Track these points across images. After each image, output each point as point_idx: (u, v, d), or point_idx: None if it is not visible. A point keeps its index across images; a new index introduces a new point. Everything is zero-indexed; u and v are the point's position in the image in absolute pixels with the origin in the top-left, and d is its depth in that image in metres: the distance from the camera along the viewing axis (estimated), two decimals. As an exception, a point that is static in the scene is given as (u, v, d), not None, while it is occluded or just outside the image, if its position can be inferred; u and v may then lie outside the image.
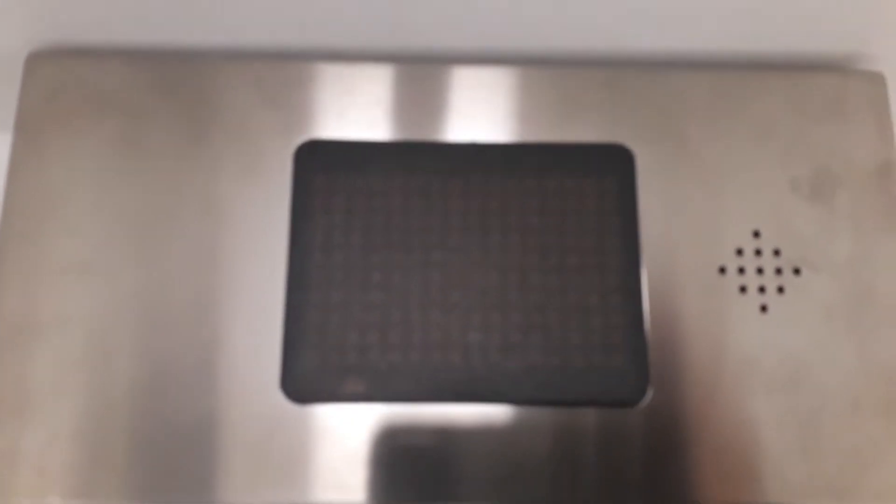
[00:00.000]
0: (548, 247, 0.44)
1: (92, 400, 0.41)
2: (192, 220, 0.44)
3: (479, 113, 0.46)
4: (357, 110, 0.46)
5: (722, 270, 0.44)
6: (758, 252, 0.45)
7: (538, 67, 0.47)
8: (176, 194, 0.44)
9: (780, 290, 0.44)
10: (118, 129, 0.45)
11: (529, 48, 0.49)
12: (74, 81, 0.46)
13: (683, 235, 0.44)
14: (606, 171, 0.45)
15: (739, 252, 0.44)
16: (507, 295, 0.43)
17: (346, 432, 0.41)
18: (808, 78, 0.48)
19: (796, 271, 0.44)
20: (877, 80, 0.47)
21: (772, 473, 0.42)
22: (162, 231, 0.44)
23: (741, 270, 0.44)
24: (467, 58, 0.49)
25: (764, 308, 0.44)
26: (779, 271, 0.44)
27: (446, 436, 0.42)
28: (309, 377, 0.42)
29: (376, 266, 0.44)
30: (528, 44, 0.48)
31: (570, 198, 0.45)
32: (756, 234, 0.45)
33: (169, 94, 0.46)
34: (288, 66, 0.47)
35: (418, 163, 0.45)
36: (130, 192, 0.44)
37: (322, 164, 0.45)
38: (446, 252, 0.44)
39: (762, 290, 0.44)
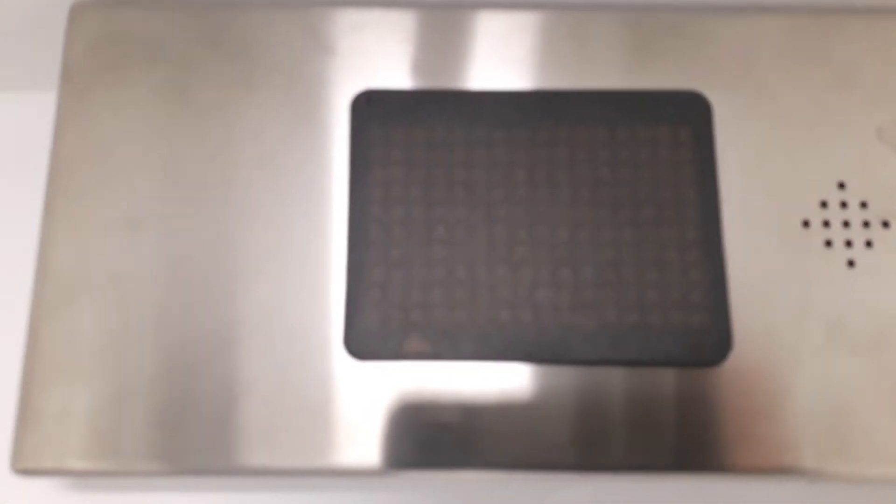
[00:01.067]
0: (620, 199, 0.41)
1: (146, 360, 0.40)
2: (246, 173, 0.42)
3: (544, 60, 0.44)
4: (416, 58, 0.44)
5: (806, 224, 0.41)
6: (843, 204, 0.42)
7: (605, 11, 0.44)
8: (227, 147, 0.42)
9: (868, 244, 0.41)
10: (167, 79, 0.43)
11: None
12: (120, 32, 0.44)
13: (764, 187, 0.42)
14: (682, 120, 0.42)
15: (824, 204, 0.42)
16: (577, 250, 0.41)
17: (411, 391, 0.39)
18: (892, 21, 0.45)
19: (885, 224, 0.42)
20: (969, 22, 0.44)
21: (860, 440, 0.39)
22: (215, 185, 0.42)
23: (826, 224, 0.41)
24: (521, 3, 0.46)
25: (851, 263, 0.41)
26: (866, 224, 0.42)
27: (515, 398, 0.39)
28: (372, 335, 0.40)
29: (439, 220, 0.41)
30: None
31: (644, 148, 0.42)
32: (841, 186, 0.42)
33: (218, 43, 0.44)
34: (342, 13, 0.44)
35: (481, 112, 0.43)
36: (181, 144, 0.42)
37: (380, 115, 0.43)
38: (512, 206, 0.42)
39: (849, 244, 0.41)
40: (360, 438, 0.39)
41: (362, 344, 0.40)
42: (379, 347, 0.40)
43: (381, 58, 0.44)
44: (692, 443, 0.39)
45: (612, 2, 0.46)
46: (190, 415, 0.39)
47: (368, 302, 0.40)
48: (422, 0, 0.46)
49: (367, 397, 0.39)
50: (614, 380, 0.40)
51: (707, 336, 0.40)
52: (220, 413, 0.39)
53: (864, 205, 0.42)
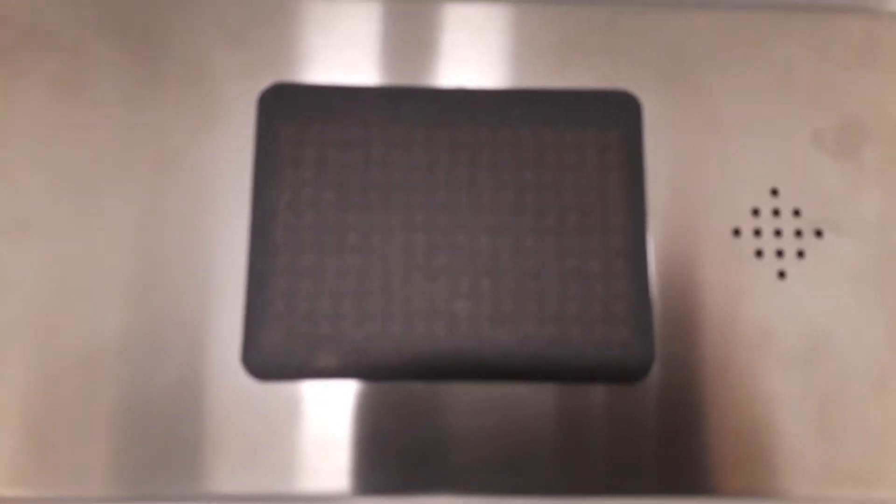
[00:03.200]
0: (544, 205, 0.39)
1: (32, 374, 0.37)
2: (142, 174, 0.39)
3: (469, 55, 0.41)
4: (330, 51, 0.41)
5: (736, 232, 0.40)
6: (776, 212, 0.40)
7: (534, 5, 0.42)
8: (125, 145, 0.39)
9: (800, 254, 0.40)
10: (59, 70, 0.40)
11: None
12: (7, 18, 0.41)
13: (694, 194, 0.40)
14: (610, 122, 0.40)
15: (756, 212, 0.40)
16: (498, 259, 0.39)
17: (318, 413, 0.37)
18: (834, 20, 0.43)
19: (818, 233, 0.40)
20: (910, 22, 0.42)
21: (787, 457, 0.38)
22: (109, 186, 0.39)
23: (757, 232, 0.40)
24: None
25: (782, 274, 0.39)
26: (799, 233, 0.40)
27: (431, 416, 0.37)
28: (274, 351, 0.37)
29: (352, 226, 0.39)
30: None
31: (570, 151, 0.40)
32: (774, 193, 0.40)
33: (117, 31, 0.41)
34: (250, 2, 0.41)
35: (400, 110, 0.40)
36: (73, 142, 0.39)
37: (290, 111, 0.40)
38: (431, 211, 0.39)
39: (780, 254, 0.40)
40: (259, 464, 0.36)
41: (263, 362, 0.37)
42: (282, 365, 0.37)
43: (294, 50, 0.41)
44: (615, 462, 0.37)
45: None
46: (76, 434, 0.36)
47: (271, 314, 0.37)
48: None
49: (266, 421, 0.37)
50: (533, 396, 0.38)
51: (629, 351, 0.38)
52: (107, 434, 0.36)
53: (797, 213, 0.40)
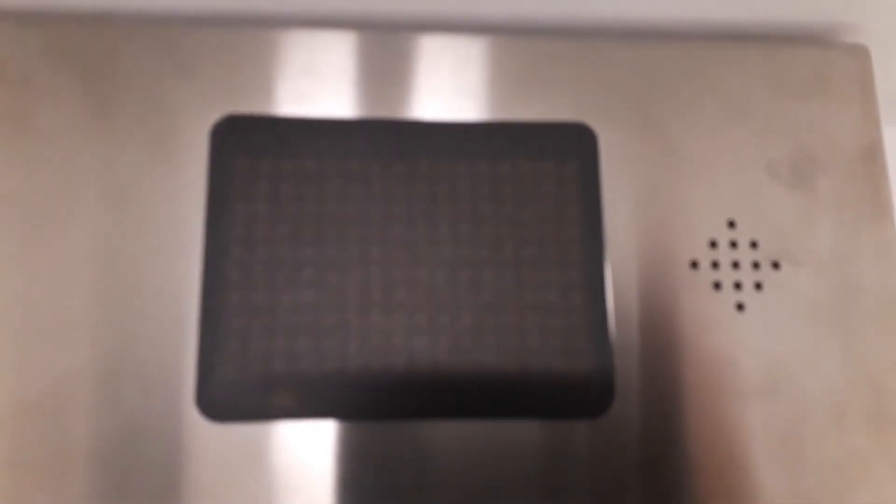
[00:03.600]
0: (502, 238, 0.39)
1: (-29, 420, 0.35)
2: (90, 209, 0.38)
3: (424, 87, 0.41)
4: (285, 82, 0.40)
5: (694, 265, 0.40)
6: (733, 244, 0.40)
7: (488, 36, 0.42)
8: (71, 178, 0.38)
9: (758, 286, 0.40)
10: (3, 101, 0.39)
11: (481, 14, 0.43)
12: (-48, 46, 0.40)
13: (652, 225, 0.40)
14: (567, 154, 0.40)
15: (713, 244, 0.40)
16: (456, 293, 0.38)
17: (277, 456, 0.36)
18: (787, 51, 0.43)
19: (775, 265, 0.40)
20: (861, 54, 0.43)
21: (750, 491, 0.37)
22: (55, 222, 0.38)
23: (715, 265, 0.40)
24: (418, 24, 0.43)
25: (740, 306, 0.39)
26: (756, 265, 0.40)
27: (390, 456, 0.36)
28: (229, 392, 0.36)
29: (306, 262, 0.38)
30: (482, 8, 0.43)
31: (527, 183, 0.40)
32: (731, 225, 0.40)
33: (64, 61, 0.40)
34: (204, 32, 0.41)
35: (355, 143, 0.40)
36: (16, 175, 0.38)
37: (243, 144, 0.39)
38: (388, 245, 0.39)
39: (738, 286, 0.40)
40: (210, 508, 0.35)
41: (217, 403, 0.36)
42: (237, 406, 0.36)
43: (247, 81, 0.40)
44: (574, 500, 0.37)
45: (495, 25, 0.43)
46: (22, 480, 0.35)
47: (225, 353, 0.36)
48: (293, 18, 0.43)
49: (221, 464, 0.36)
50: (494, 433, 0.37)
51: (588, 386, 0.37)
52: (51, 478, 0.35)
53: (754, 244, 0.40)
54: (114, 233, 0.38)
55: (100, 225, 0.38)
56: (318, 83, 0.40)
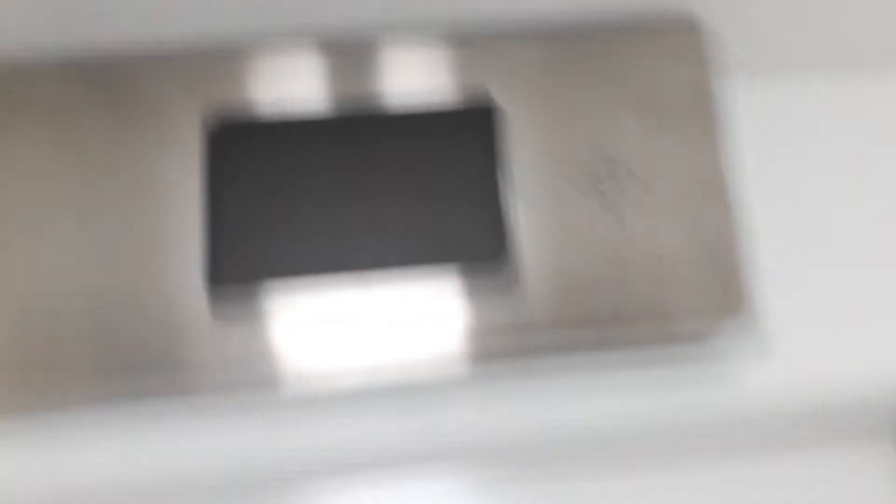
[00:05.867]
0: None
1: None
2: (85, 215, 0.44)
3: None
4: (266, 87, 0.47)
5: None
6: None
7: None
8: (66, 179, 0.44)
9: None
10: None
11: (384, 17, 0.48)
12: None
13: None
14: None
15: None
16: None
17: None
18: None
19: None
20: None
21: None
22: (51, 221, 0.44)
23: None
24: (363, 28, 0.49)
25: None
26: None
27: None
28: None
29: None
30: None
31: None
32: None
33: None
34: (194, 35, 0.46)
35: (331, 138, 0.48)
36: (11, 176, 0.44)
37: (237, 147, 0.46)
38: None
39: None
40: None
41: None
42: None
43: (240, 86, 0.46)
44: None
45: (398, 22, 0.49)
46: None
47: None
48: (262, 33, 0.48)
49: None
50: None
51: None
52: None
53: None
54: (109, 234, 0.44)
55: (89, 228, 0.44)
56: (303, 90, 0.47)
